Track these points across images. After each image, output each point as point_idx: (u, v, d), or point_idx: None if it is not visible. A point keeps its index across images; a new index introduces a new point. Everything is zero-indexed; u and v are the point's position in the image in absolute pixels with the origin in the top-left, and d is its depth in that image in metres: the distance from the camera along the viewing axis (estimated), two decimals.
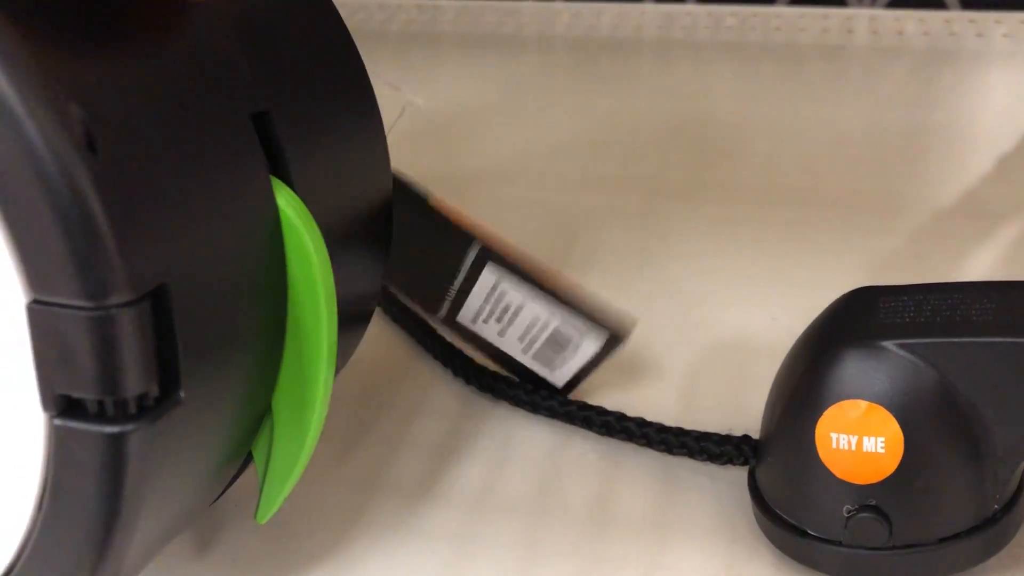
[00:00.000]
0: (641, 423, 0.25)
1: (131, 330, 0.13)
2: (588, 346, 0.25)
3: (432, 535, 0.23)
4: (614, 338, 0.25)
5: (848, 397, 0.20)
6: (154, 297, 0.14)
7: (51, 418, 0.14)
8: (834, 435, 0.20)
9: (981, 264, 0.34)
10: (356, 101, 0.20)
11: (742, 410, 0.26)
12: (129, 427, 0.14)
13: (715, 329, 0.30)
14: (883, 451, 0.19)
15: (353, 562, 0.22)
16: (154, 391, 0.14)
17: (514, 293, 0.25)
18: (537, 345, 0.26)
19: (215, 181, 0.15)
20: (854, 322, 0.21)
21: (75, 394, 0.14)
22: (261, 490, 0.19)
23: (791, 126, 0.46)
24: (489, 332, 0.27)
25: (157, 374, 0.14)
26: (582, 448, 0.26)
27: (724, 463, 0.24)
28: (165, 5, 0.15)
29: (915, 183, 0.41)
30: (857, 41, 0.57)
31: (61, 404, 0.14)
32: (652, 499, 0.24)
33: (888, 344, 0.20)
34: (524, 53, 0.57)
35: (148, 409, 0.14)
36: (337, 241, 0.18)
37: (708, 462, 0.24)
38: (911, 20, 0.59)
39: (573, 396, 0.27)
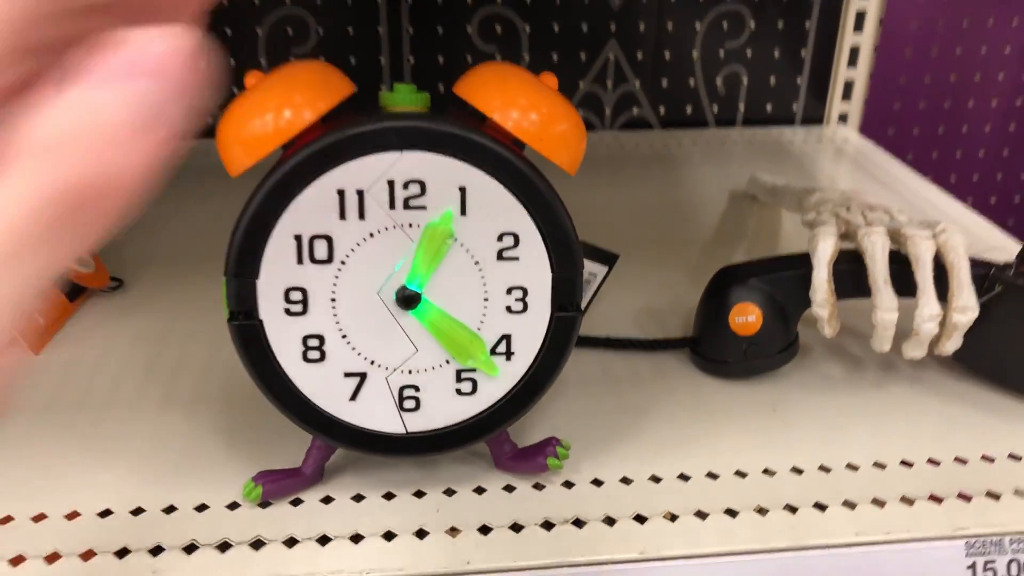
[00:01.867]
0: (645, 340, 0.56)
1: (581, 283, 0.42)
2: (600, 275, 0.55)
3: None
4: (611, 264, 0.56)
5: (740, 301, 0.52)
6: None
7: (554, 314, 0.41)
8: (737, 318, 0.52)
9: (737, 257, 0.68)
10: None
11: (667, 330, 0.57)
12: (578, 314, 0.42)
13: (641, 294, 0.62)
14: (755, 320, 0.52)
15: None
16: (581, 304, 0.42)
17: None
18: None
19: None
20: (734, 278, 0.53)
21: (564, 304, 0.41)
22: None
23: (623, 204, 0.79)
24: None
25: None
26: (616, 357, 0.56)
27: (676, 348, 0.55)
28: None
29: (679, 229, 0.76)
30: (613, 152, 0.93)
31: (558, 308, 0.41)
32: (652, 366, 0.54)
33: (752, 281, 0.52)
34: None
35: (579, 310, 0.42)
36: None
37: (672, 350, 0.55)
38: (634, 137, 0.96)
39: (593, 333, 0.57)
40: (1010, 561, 0.44)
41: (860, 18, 0.95)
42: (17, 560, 0.40)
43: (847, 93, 0.99)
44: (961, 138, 1.04)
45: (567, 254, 0.41)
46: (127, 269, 0.66)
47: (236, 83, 0.40)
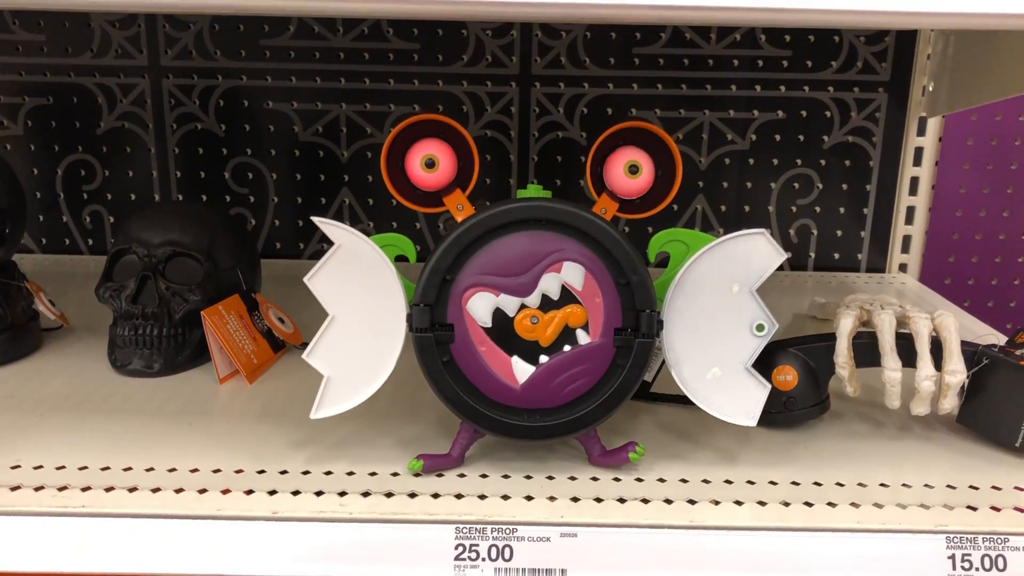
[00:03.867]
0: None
1: (658, 316, 0.59)
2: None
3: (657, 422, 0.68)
4: None
5: (780, 364, 0.68)
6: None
7: (636, 339, 0.58)
8: (778, 376, 0.67)
9: None
10: None
11: None
12: (653, 340, 0.59)
13: None
14: (792, 379, 0.67)
15: None
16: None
17: None
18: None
19: None
20: (776, 346, 0.69)
21: (644, 332, 0.58)
22: None
23: None
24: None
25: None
26: (685, 411, 0.71)
27: None
28: None
29: None
30: None
31: (639, 335, 0.59)
32: (713, 418, 0.70)
33: (790, 349, 0.68)
34: None
35: (654, 336, 0.59)
36: None
37: None
38: None
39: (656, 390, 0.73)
40: (983, 556, 0.56)
41: (914, 183, 1.12)
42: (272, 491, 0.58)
43: (905, 246, 1.15)
44: (1014, 289, 1.17)
45: (645, 294, 0.58)
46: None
47: None
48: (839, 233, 1.15)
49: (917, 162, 1.12)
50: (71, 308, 0.92)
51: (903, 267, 1.15)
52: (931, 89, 1.08)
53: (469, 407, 0.59)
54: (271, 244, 1.17)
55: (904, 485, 0.61)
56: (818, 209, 1.14)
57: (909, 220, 1.13)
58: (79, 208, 1.17)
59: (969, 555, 0.56)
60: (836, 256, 1.16)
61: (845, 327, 0.67)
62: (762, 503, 0.58)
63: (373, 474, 0.61)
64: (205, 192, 1.15)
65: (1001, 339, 0.76)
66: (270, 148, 1.14)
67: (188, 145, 1.14)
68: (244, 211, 1.16)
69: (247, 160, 1.14)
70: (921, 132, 1.11)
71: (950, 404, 0.65)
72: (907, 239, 1.14)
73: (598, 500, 0.58)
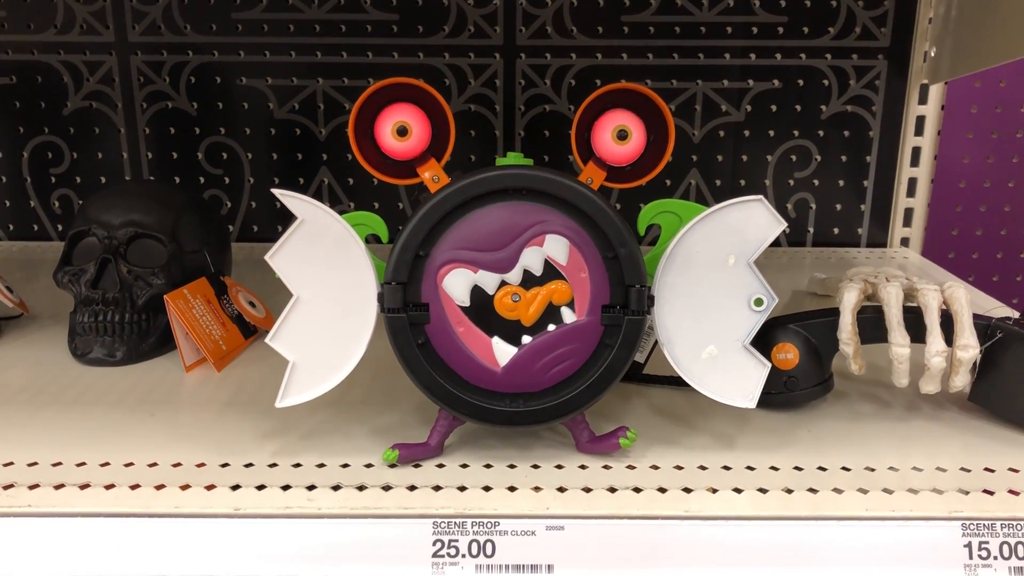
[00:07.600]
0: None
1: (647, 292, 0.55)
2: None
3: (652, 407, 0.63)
4: None
5: (780, 341, 0.63)
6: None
7: (626, 316, 0.54)
8: (778, 355, 0.63)
9: None
10: None
11: None
12: (644, 318, 0.54)
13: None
14: (792, 357, 0.63)
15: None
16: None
17: None
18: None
19: None
20: (776, 322, 0.65)
21: (635, 309, 0.54)
22: None
23: None
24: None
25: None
26: (673, 391, 0.67)
27: None
28: None
29: None
30: None
31: (629, 312, 0.54)
32: (708, 401, 0.66)
33: (791, 325, 0.64)
34: None
35: (645, 314, 0.55)
36: None
37: None
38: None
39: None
40: (1002, 543, 0.52)
41: (916, 153, 1.08)
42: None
43: (907, 219, 1.10)
44: (1020, 262, 1.13)
45: (634, 268, 0.54)
46: None
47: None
48: (838, 207, 1.11)
49: (919, 131, 1.07)
50: (39, 296, 0.87)
51: (905, 241, 1.11)
52: (933, 55, 1.04)
53: (447, 392, 0.55)
54: (248, 227, 1.12)
55: (915, 469, 0.57)
56: (816, 182, 1.10)
57: (911, 192, 1.09)
58: (47, 192, 1.12)
59: (987, 543, 0.52)
60: (836, 231, 1.11)
61: (849, 301, 0.63)
62: (763, 490, 0.54)
63: (345, 466, 0.56)
64: (178, 174, 1.11)
65: (1013, 312, 0.72)
66: (245, 127, 1.09)
67: (159, 125, 1.09)
68: (219, 193, 1.11)
69: (221, 140, 1.10)
70: (923, 100, 1.06)
71: (962, 381, 0.60)
72: (909, 212, 1.10)
73: (587, 490, 0.54)
